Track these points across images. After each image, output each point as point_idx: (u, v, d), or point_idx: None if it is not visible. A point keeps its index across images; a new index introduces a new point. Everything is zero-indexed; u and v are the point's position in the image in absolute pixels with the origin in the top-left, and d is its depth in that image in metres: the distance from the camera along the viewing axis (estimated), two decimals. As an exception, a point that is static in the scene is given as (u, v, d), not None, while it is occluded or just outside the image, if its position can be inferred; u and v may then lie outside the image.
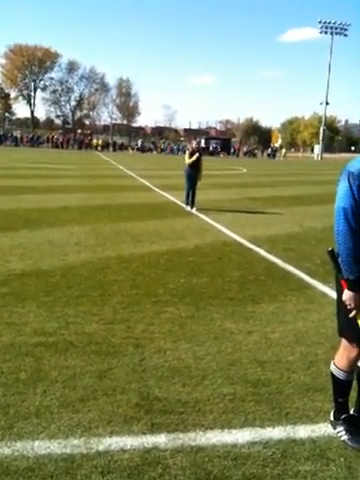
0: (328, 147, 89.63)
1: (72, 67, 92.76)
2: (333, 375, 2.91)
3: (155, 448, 2.69)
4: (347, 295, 2.63)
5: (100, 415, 2.99)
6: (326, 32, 75.59)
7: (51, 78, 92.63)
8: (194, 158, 12.30)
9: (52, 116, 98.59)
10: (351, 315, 2.66)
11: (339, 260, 2.65)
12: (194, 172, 12.40)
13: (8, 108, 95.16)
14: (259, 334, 4.36)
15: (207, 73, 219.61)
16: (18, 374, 3.45)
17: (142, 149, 66.92)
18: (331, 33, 75.25)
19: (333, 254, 2.69)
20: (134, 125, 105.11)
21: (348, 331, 2.76)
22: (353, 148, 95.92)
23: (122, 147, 68.27)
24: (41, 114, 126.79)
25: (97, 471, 2.48)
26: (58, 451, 2.64)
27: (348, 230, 2.56)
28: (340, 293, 2.73)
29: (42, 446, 2.67)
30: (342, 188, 2.62)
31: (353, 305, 2.62)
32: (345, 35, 76.21)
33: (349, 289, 2.61)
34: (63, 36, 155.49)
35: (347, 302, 2.64)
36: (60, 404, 3.09)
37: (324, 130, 76.00)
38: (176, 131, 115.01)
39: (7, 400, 3.11)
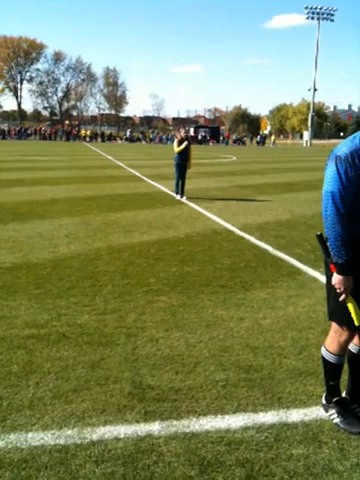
0: (317, 133, 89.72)
1: (58, 58, 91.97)
2: (324, 359, 2.93)
3: (149, 436, 2.70)
4: (336, 279, 2.64)
5: (93, 405, 2.99)
6: (313, 18, 75.23)
7: (37, 69, 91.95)
8: (182, 146, 12.25)
9: (39, 108, 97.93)
10: (341, 299, 2.67)
11: (328, 244, 2.66)
12: (183, 161, 12.36)
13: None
14: (251, 320, 4.38)
15: (193, 62, 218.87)
16: (10, 367, 3.45)
17: (131, 139, 66.49)
18: (318, 18, 74.91)
19: (322, 238, 2.70)
20: (122, 115, 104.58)
21: (338, 315, 2.78)
22: (342, 134, 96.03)
23: (111, 137, 67.72)
24: (28, 106, 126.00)
25: (91, 460, 2.49)
26: (52, 442, 2.64)
27: (336, 214, 2.56)
28: (329, 277, 2.74)
29: (36, 437, 2.67)
30: (330, 172, 2.61)
31: (342, 289, 2.63)
32: (332, 20, 75.98)
33: (338, 273, 2.62)
34: (48, 27, 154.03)
35: (336, 286, 2.65)
36: (53, 395, 3.09)
37: (313, 116, 75.96)
38: (165, 120, 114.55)
39: (0, 393, 3.10)
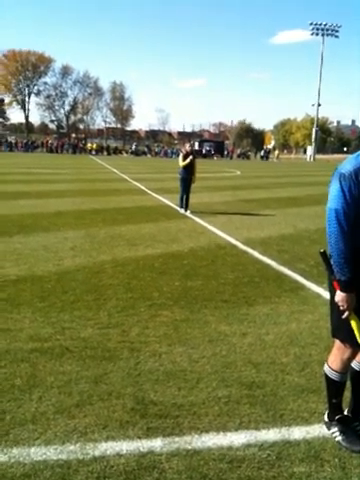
0: (321, 148, 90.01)
1: (66, 72, 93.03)
2: (327, 376, 2.93)
3: (151, 452, 2.70)
4: (339, 296, 2.65)
5: (96, 420, 3.00)
6: (317, 34, 76.07)
7: (45, 83, 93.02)
8: (187, 161, 12.32)
9: (46, 121, 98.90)
10: (344, 316, 2.68)
11: (331, 261, 2.67)
12: (188, 175, 12.43)
13: (2, 114, 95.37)
14: (253, 336, 4.38)
15: (198, 76, 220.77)
16: (14, 380, 3.45)
17: (136, 153, 66.95)
18: (322, 34, 75.72)
19: (325, 255, 2.71)
20: (128, 129, 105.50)
21: (341, 332, 2.78)
22: (345, 149, 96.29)
23: (116, 151, 68.23)
24: (35, 119, 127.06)
25: (93, 476, 2.49)
26: (54, 457, 2.64)
27: (340, 231, 2.59)
28: (333, 294, 2.75)
29: (38, 452, 2.68)
30: (334, 189, 2.63)
31: (345, 306, 2.64)
32: (336, 36, 76.68)
33: (341, 290, 2.63)
34: (56, 41, 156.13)
35: (340, 303, 2.66)
36: (56, 410, 3.10)
37: (316, 131, 76.32)
38: (170, 134, 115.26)
39: (3, 406, 3.11)
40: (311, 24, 75.57)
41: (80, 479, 2.47)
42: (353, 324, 2.67)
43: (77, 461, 2.61)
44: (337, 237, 2.59)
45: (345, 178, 2.59)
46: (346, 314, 2.67)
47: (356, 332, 2.66)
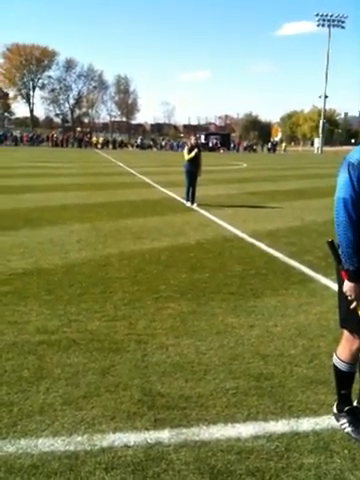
0: (328, 140, 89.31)
1: (70, 65, 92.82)
2: (335, 367, 2.91)
3: (158, 443, 2.69)
4: (347, 286, 2.62)
5: (103, 412, 2.99)
6: (323, 25, 75.10)
7: (49, 77, 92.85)
8: (193, 154, 12.27)
9: (51, 115, 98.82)
10: (352, 306, 2.65)
11: (339, 251, 2.64)
12: (194, 168, 12.38)
13: (7, 108, 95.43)
14: (261, 328, 4.36)
15: (203, 69, 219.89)
16: (21, 372, 3.46)
17: (142, 146, 66.84)
18: (328, 26, 74.76)
19: (333, 245, 2.68)
20: (133, 122, 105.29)
21: (349, 322, 2.76)
22: (353, 140, 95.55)
23: (122, 144, 68.14)
24: (40, 113, 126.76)
25: (101, 467, 2.49)
26: (62, 448, 2.64)
27: (348, 220, 2.55)
28: (341, 284, 2.72)
29: (46, 443, 2.68)
30: (342, 178, 2.60)
31: (353, 296, 2.61)
32: (342, 27, 75.77)
33: (349, 280, 2.60)
34: (60, 34, 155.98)
35: (347, 293, 2.63)
36: (63, 401, 3.10)
37: (324, 123, 75.69)
38: (175, 127, 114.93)
39: (11, 398, 3.12)
40: (317, 15, 74.69)
41: (88, 470, 2.47)
42: (361, 314, 2.64)
43: (85, 452, 2.60)
44: (345, 226, 2.56)
45: (354, 167, 2.56)
46: (354, 304, 2.64)
47: (364, 322, 2.63)
